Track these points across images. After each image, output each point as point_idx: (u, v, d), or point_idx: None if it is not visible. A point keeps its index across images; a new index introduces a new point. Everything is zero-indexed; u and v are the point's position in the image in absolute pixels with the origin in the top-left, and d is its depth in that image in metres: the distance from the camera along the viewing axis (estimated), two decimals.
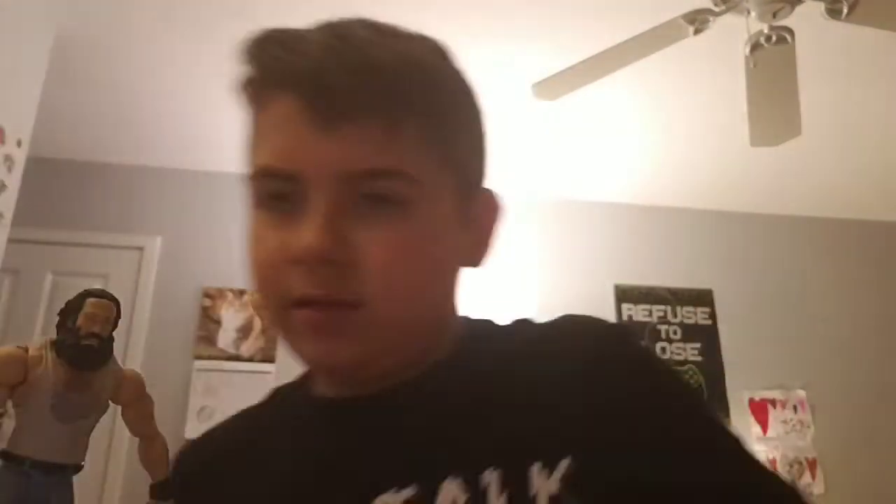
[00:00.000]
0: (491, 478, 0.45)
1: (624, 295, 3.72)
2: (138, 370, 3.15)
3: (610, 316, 3.64)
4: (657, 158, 3.48)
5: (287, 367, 3.43)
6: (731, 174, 3.60)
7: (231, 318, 3.32)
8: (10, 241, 2.39)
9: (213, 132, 3.27)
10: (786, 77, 2.13)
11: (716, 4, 1.98)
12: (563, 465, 0.44)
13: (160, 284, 3.35)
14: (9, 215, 2.36)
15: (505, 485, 0.44)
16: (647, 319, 3.70)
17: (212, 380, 3.22)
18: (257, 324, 3.31)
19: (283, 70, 0.50)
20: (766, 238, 4.00)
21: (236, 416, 0.63)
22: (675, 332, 3.70)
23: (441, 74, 0.54)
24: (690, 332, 3.71)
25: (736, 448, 0.48)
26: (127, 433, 3.13)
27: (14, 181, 2.39)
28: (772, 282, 3.89)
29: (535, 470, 0.44)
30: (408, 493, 0.46)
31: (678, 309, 3.74)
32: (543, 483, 0.44)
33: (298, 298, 0.48)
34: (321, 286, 0.48)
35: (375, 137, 0.48)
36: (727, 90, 2.74)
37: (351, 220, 0.48)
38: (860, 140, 3.28)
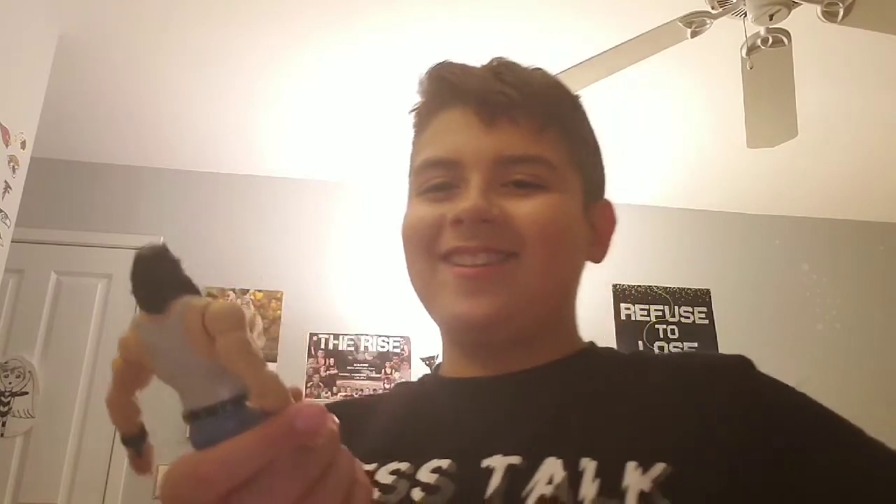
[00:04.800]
0: (588, 465, 0.49)
1: (622, 295, 3.75)
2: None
3: (608, 316, 3.68)
4: (655, 159, 3.50)
5: (288, 367, 3.40)
6: (729, 175, 3.63)
7: None
8: (15, 241, 2.40)
9: (215, 133, 3.29)
10: (782, 79, 2.15)
11: (713, 7, 2.00)
12: (658, 468, 0.47)
13: None
14: (13, 216, 2.37)
15: (599, 474, 0.48)
16: (644, 319, 3.72)
17: None
18: (259, 323, 3.34)
19: (458, 86, 0.63)
20: (763, 238, 4.02)
21: (359, 397, 0.73)
22: (672, 332, 3.72)
23: (574, 99, 0.68)
24: (688, 332, 3.73)
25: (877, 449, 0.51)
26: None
27: (18, 182, 2.40)
28: (769, 282, 3.91)
29: (631, 467, 0.48)
30: (513, 459, 0.51)
31: (676, 309, 3.77)
32: (637, 479, 0.47)
33: (451, 248, 0.58)
34: (475, 239, 0.57)
35: (526, 133, 0.60)
36: (725, 92, 2.76)
37: (501, 196, 0.59)
38: (857, 141, 3.30)
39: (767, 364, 0.56)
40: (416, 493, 0.53)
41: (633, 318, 3.71)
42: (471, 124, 0.61)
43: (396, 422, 0.62)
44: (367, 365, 3.37)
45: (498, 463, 0.52)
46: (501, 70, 0.63)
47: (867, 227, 4.14)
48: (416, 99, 0.67)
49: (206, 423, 0.32)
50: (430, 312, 0.62)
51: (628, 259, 3.78)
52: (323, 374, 3.32)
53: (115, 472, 3.03)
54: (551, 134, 0.61)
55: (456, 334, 0.63)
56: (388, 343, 3.42)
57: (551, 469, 0.49)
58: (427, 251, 0.60)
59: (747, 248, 3.99)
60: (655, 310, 3.75)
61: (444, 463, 0.54)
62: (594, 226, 0.66)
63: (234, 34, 2.59)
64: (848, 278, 3.99)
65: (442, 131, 0.63)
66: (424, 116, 0.66)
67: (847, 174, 3.63)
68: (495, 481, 0.50)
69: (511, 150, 0.59)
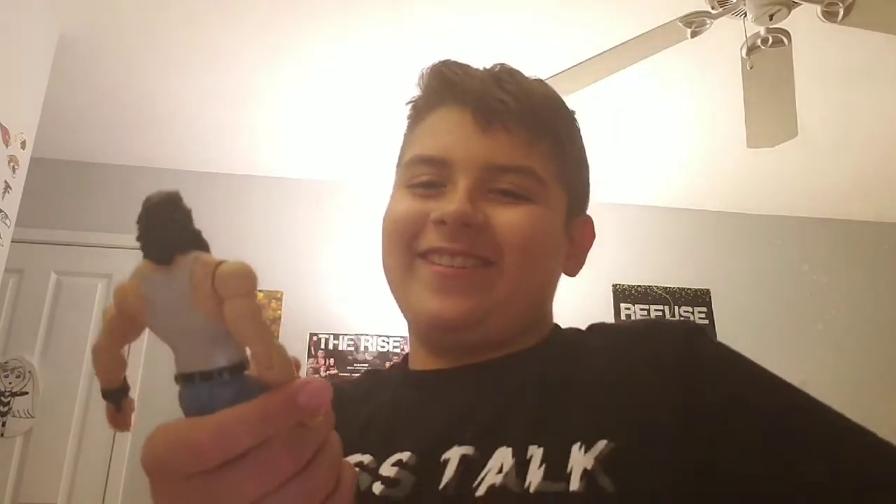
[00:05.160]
0: (535, 452, 0.50)
1: (622, 295, 3.75)
2: (140, 373, 3.18)
3: (608, 315, 3.68)
4: (656, 159, 3.50)
5: None
6: (730, 174, 3.62)
7: None
8: (14, 241, 2.40)
9: (214, 133, 3.29)
10: (782, 79, 2.15)
11: (713, 7, 2.00)
12: (601, 445, 0.48)
13: None
14: (13, 216, 2.37)
15: (546, 459, 0.49)
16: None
17: None
18: None
19: (458, 85, 0.63)
20: (763, 238, 4.02)
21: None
22: None
23: (569, 115, 0.68)
24: None
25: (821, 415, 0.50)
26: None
27: (18, 182, 2.40)
28: (769, 282, 3.91)
29: (576, 448, 0.48)
30: (467, 450, 0.52)
31: (676, 309, 3.76)
32: (580, 458, 0.48)
33: (432, 248, 0.59)
34: (457, 242, 0.58)
35: (519, 143, 0.61)
36: (725, 92, 2.76)
37: (487, 202, 0.60)
38: (857, 141, 3.30)
39: (767, 364, 0.56)
40: (377, 487, 0.53)
41: (633, 318, 3.71)
42: (465, 126, 0.61)
43: (362, 414, 0.62)
44: (367, 365, 3.37)
45: (453, 454, 0.52)
46: (503, 76, 0.63)
47: (867, 227, 4.14)
48: (415, 94, 0.67)
49: (200, 388, 0.30)
50: (400, 305, 0.63)
51: (628, 259, 3.78)
52: (323, 374, 3.32)
53: (115, 472, 3.03)
54: (543, 147, 0.62)
55: (425, 331, 0.63)
56: (388, 343, 3.42)
57: (502, 458, 0.50)
58: (407, 246, 0.61)
59: (747, 248, 3.98)
60: (655, 310, 3.75)
61: (405, 456, 0.55)
62: (573, 239, 0.67)
63: (233, 33, 2.59)
64: (848, 278, 3.99)
65: (436, 129, 0.63)
66: (421, 111, 0.66)
67: (847, 174, 3.63)
68: (449, 472, 0.51)
69: (502, 159, 0.60)
